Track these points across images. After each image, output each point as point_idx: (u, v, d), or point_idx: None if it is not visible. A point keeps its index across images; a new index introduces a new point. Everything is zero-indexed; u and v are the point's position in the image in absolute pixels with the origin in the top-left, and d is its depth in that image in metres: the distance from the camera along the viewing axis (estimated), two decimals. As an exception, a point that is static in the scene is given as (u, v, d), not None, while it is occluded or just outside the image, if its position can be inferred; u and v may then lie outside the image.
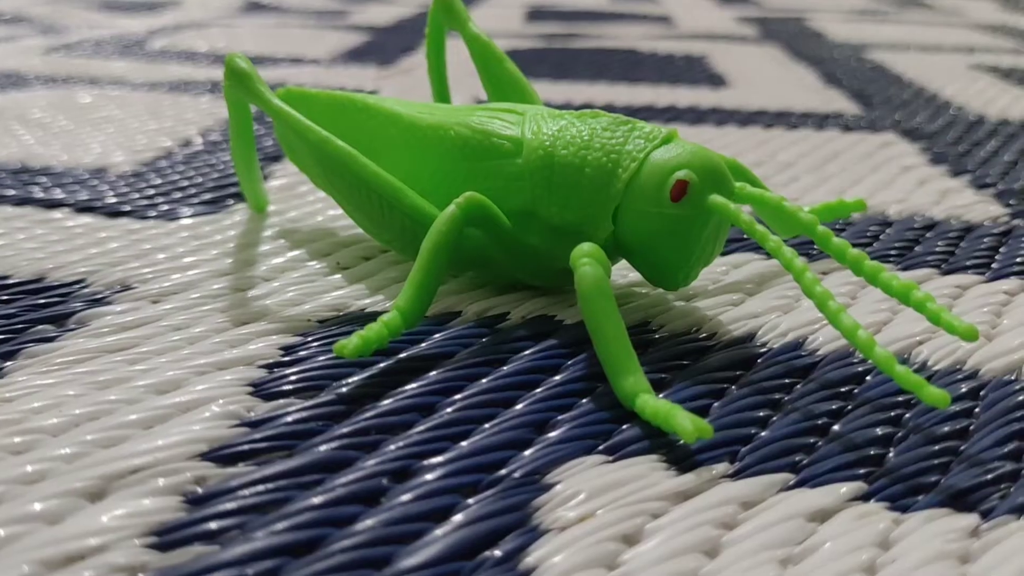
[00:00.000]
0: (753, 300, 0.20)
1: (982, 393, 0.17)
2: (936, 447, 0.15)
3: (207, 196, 0.26)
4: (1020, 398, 0.16)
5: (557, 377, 0.16)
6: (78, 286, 0.20)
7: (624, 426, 0.15)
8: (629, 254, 0.18)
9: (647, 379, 0.15)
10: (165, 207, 0.25)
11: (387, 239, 0.20)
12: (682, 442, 0.14)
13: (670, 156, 0.17)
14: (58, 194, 0.26)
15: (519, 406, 0.15)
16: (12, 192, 0.26)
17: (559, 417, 0.15)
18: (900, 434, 0.15)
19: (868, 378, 0.17)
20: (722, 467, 0.14)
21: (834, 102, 0.40)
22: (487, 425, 0.15)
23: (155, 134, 0.33)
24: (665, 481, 0.14)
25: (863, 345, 0.15)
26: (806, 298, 0.20)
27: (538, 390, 0.16)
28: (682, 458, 0.14)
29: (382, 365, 0.17)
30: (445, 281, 0.20)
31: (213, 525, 0.12)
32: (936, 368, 0.17)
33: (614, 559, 0.12)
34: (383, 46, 0.53)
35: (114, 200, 0.25)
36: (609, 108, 0.38)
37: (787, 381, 0.17)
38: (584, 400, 0.16)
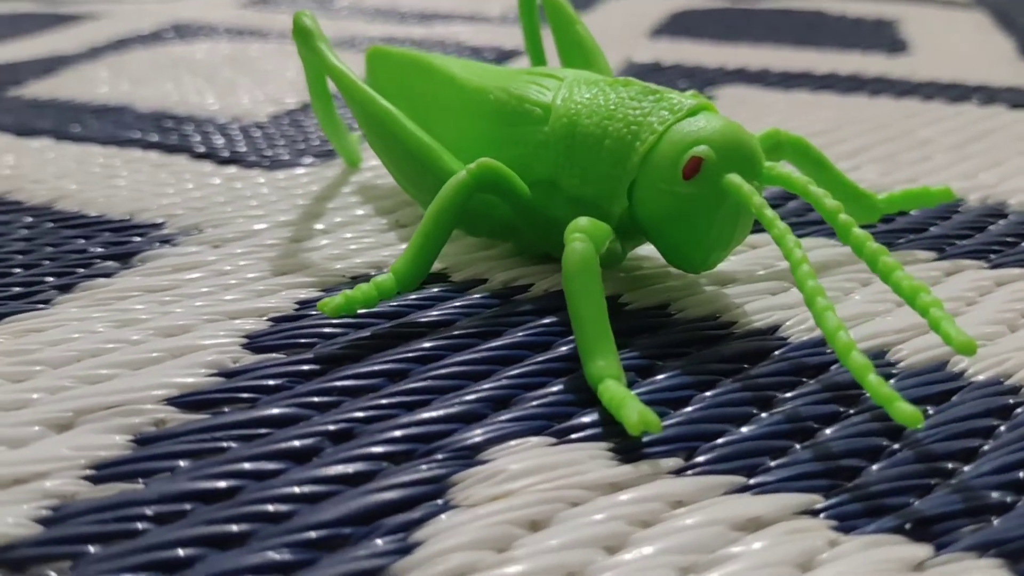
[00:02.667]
0: (795, 291, 0.19)
1: (1017, 412, 0.15)
2: (926, 466, 0.14)
3: (317, 150, 0.27)
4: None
5: (542, 355, 0.16)
6: (156, 227, 0.21)
7: (586, 410, 0.15)
8: (646, 233, 0.17)
9: (620, 364, 0.15)
10: (273, 158, 0.26)
11: (423, 200, 0.20)
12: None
13: (690, 131, 0.16)
14: (183, 141, 0.28)
15: (489, 381, 0.15)
16: (141, 136, 0.28)
17: (524, 395, 0.15)
18: (893, 447, 0.14)
19: (889, 382, 0.15)
20: (671, 462, 0.14)
21: (1021, 77, 0.36)
22: (448, 396, 0.15)
23: (305, 89, 0.34)
24: (600, 470, 0.13)
25: (841, 348, 0.14)
26: (854, 292, 0.18)
27: (515, 366, 0.16)
28: (631, 449, 0.14)
29: (377, 328, 0.17)
30: (486, 247, 0.20)
31: (148, 465, 0.13)
32: (977, 378, 0.16)
33: (507, 543, 0.12)
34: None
35: (231, 149, 0.27)
36: (762, 73, 0.36)
37: (791, 379, 0.16)
38: (557, 380, 0.15)
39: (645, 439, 0.14)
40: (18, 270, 0.20)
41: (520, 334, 0.17)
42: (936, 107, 0.32)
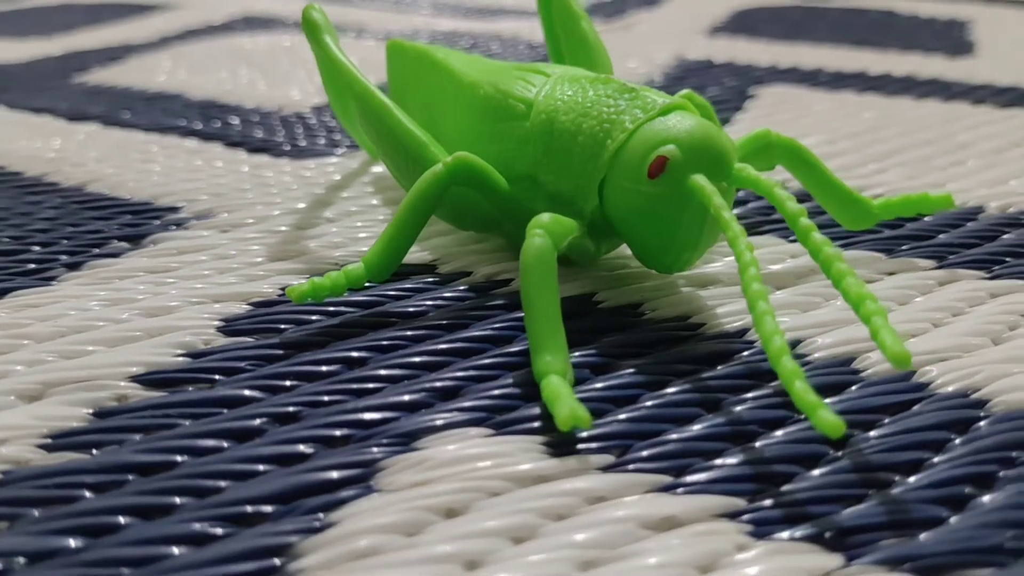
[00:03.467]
0: (778, 295, 0.18)
1: (977, 426, 0.15)
2: (863, 476, 0.14)
3: (351, 142, 0.28)
4: (1018, 435, 0.14)
5: (502, 349, 0.16)
6: (173, 211, 0.22)
7: (530, 404, 0.15)
8: (617, 231, 0.17)
9: (568, 361, 0.15)
10: (305, 148, 0.27)
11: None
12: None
13: (660, 130, 0.16)
14: (222, 129, 0.29)
15: (442, 371, 0.16)
16: (185, 123, 0.29)
17: (474, 387, 0.15)
18: (834, 455, 0.14)
19: (844, 394, 0.15)
20: (602, 459, 0.14)
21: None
22: (400, 385, 0.15)
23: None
24: (528, 463, 0.14)
25: (773, 352, 0.14)
26: (828, 302, 0.18)
27: (473, 358, 0.16)
28: (565, 443, 0.14)
29: (349, 316, 0.17)
30: (478, 240, 0.20)
31: (100, 437, 0.14)
32: (944, 390, 0.16)
33: (418, 529, 0.12)
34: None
35: (266, 138, 0.28)
36: (813, 72, 0.36)
37: (746, 383, 0.16)
38: (509, 374, 0.16)
39: (582, 435, 0.14)
40: (36, 248, 0.21)
41: (486, 327, 0.17)
42: (984, 111, 0.31)
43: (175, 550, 0.12)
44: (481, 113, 0.19)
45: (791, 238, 0.21)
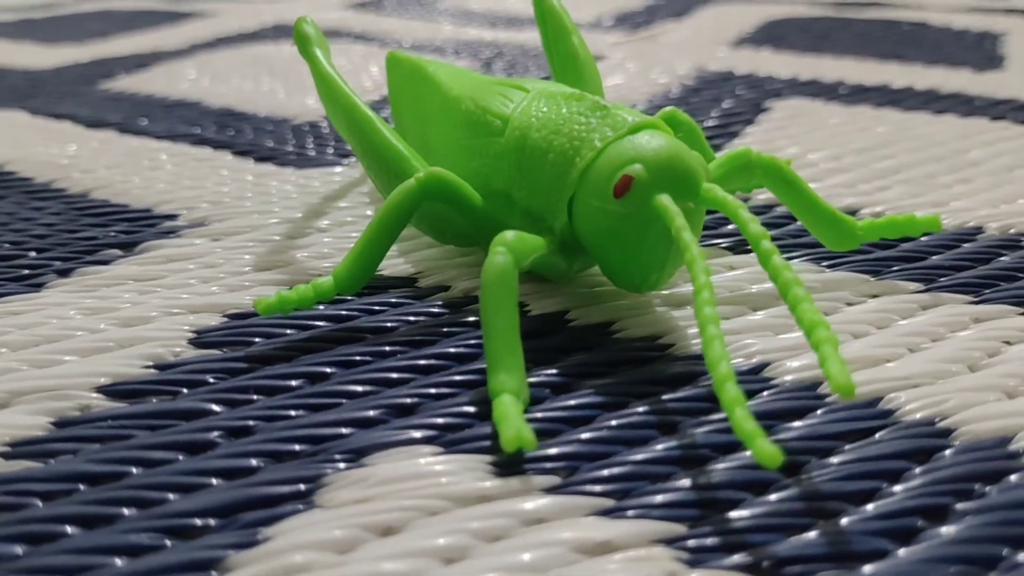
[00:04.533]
0: (754, 316, 0.18)
1: (939, 455, 0.15)
2: (811, 505, 0.13)
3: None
4: (980, 467, 0.14)
5: (465, 366, 0.16)
6: (170, 218, 0.23)
7: (483, 423, 0.15)
8: (587, 249, 0.17)
9: (523, 380, 0.15)
10: (311, 158, 0.27)
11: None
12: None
13: (628, 149, 0.16)
14: (233, 137, 0.29)
15: (401, 388, 0.16)
16: (199, 131, 0.30)
17: (430, 404, 0.15)
18: (787, 482, 0.14)
19: (805, 419, 0.15)
20: (547, 480, 0.14)
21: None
22: (357, 400, 0.15)
23: (375, 89, 0.35)
24: (471, 483, 0.14)
25: (718, 377, 0.13)
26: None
27: (434, 375, 0.16)
28: (511, 464, 0.14)
29: (319, 331, 0.18)
30: (463, 254, 0.21)
31: (57, 447, 0.14)
32: (910, 417, 0.15)
33: (351, 547, 0.12)
34: (657, 10, 0.52)
35: (274, 147, 0.28)
36: (834, 85, 0.35)
37: (705, 406, 0.16)
38: (468, 391, 0.16)
39: (531, 455, 0.14)
40: (32, 253, 0.21)
41: (453, 344, 0.17)
42: (1001, 127, 0.30)
43: (114, 560, 0.12)
44: (462, 128, 0.20)
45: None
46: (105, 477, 0.14)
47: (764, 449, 0.12)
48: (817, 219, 0.19)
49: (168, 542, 0.13)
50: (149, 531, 0.13)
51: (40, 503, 0.13)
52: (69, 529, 0.13)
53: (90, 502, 0.13)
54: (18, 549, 0.12)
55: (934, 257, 0.21)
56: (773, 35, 0.45)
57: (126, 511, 0.13)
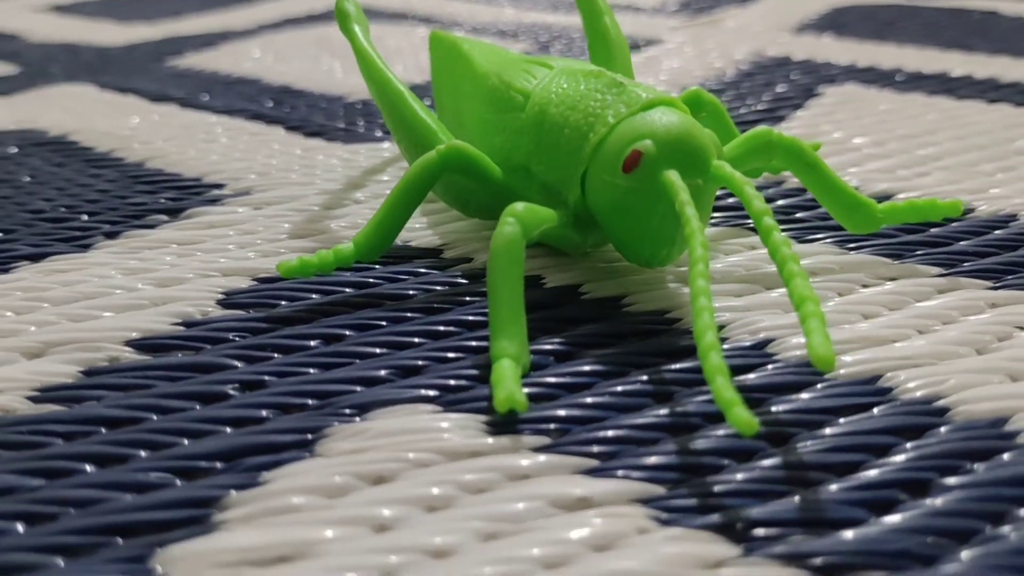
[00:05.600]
0: (767, 295, 0.19)
1: (930, 432, 0.15)
2: (792, 473, 0.14)
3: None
4: (970, 445, 0.14)
5: (473, 332, 0.17)
6: (217, 187, 0.24)
7: (483, 385, 0.16)
8: (599, 223, 0.18)
9: (524, 346, 0.16)
10: (360, 134, 0.28)
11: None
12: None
13: (639, 125, 0.17)
14: (287, 113, 0.30)
15: (409, 350, 0.16)
16: (255, 107, 0.31)
17: (435, 366, 0.16)
18: (770, 452, 0.14)
19: (802, 394, 0.15)
20: (537, 440, 0.14)
21: None
22: (367, 361, 0.16)
23: (426, 71, 0.36)
24: (464, 439, 0.14)
25: (703, 347, 0.14)
26: (829, 300, 0.18)
27: (443, 340, 0.17)
28: (506, 424, 0.15)
29: (340, 296, 0.18)
30: (489, 227, 0.21)
31: (82, 392, 0.15)
32: (909, 395, 0.16)
33: (342, 493, 0.13)
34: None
35: (325, 123, 0.29)
36: (890, 72, 0.35)
37: (702, 377, 0.16)
38: (472, 356, 0.16)
39: (525, 416, 0.15)
40: (84, 216, 0.22)
41: (464, 313, 0.18)
42: (1053, 116, 0.30)
43: (124, 495, 0.13)
44: (488, 103, 0.20)
45: (804, 238, 0.21)
46: (123, 421, 0.15)
47: (740, 416, 0.13)
48: (837, 201, 0.19)
49: (178, 481, 0.13)
50: (158, 470, 0.14)
51: (61, 442, 0.14)
52: (86, 467, 0.14)
53: (107, 443, 0.14)
54: (36, 482, 0.13)
55: (961, 243, 0.21)
56: (837, 22, 0.45)
57: (138, 452, 0.14)
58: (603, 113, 0.17)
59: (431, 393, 0.15)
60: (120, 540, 0.12)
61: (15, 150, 0.27)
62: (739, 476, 0.14)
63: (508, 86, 0.20)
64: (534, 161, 0.18)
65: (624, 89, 0.18)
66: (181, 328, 0.17)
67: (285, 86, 0.34)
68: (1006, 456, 0.14)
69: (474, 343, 0.17)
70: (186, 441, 0.14)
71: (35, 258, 0.20)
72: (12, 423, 0.15)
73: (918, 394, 0.16)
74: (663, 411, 0.15)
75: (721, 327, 0.17)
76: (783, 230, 0.21)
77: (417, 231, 0.21)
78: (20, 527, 0.13)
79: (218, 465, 0.14)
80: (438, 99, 0.25)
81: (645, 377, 0.16)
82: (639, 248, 0.17)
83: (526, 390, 0.15)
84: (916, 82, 0.34)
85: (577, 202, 0.18)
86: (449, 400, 0.15)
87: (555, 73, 0.19)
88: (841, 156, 0.27)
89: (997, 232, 0.21)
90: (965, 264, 0.20)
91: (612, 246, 0.20)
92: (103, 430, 0.15)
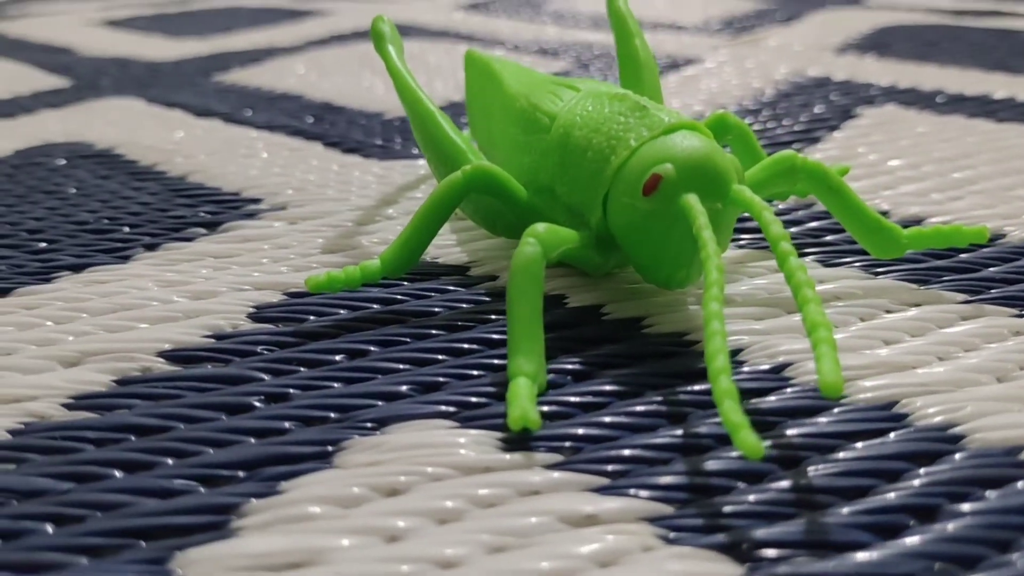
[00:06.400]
0: (789, 318, 0.19)
1: (942, 459, 0.15)
2: (801, 496, 0.14)
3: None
4: (982, 472, 0.14)
5: (494, 350, 0.17)
6: (254, 202, 0.25)
7: (500, 402, 0.16)
8: (620, 245, 0.18)
9: (542, 365, 0.16)
10: (397, 151, 0.29)
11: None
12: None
13: (660, 149, 0.17)
14: (327, 129, 0.31)
15: (430, 367, 0.17)
16: (296, 123, 0.32)
17: (455, 383, 0.16)
18: (780, 474, 0.14)
19: (817, 418, 0.16)
20: (549, 457, 0.15)
21: None
22: (389, 376, 0.17)
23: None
24: (478, 455, 0.15)
25: (713, 370, 0.14)
26: (836, 328, 0.18)
27: (464, 357, 0.17)
28: (519, 441, 0.15)
29: (367, 312, 0.19)
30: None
31: (114, 401, 0.16)
32: (925, 422, 0.16)
33: (356, 503, 0.14)
34: (766, 14, 0.52)
35: (363, 139, 0.30)
36: (932, 94, 0.35)
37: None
38: (489, 374, 0.17)
39: (539, 434, 0.15)
40: (126, 228, 0.23)
41: (486, 331, 0.18)
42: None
43: (146, 500, 0.14)
44: (517, 124, 0.21)
45: (830, 262, 0.21)
46: (152, 429, 0.15)
47: (746, 440, 0.13)
48: (861, 226, 0.20)
49: (201, 488, 0.14)
50: (181, 477, 0.14)
51: (92, 448, 0.15)
52: (115, 472, 0.14)
53: (135, 450, 0.15)
54: (66, 485, 0.14)
55: (990, 269, 0.21)
56: (880, 42, 0.45)
57: (164, 459, 0.14)
58: (625, 136, 0.18)
59: (449, 409, 0.16)
60: (143, 543, 0.13)
61: (63, 162, 0.28)
62: (748, 497, 0.14)
63: (535, 107, 0.20)
64: (558, 182, 0.19)
65: (647, 112, 0.18)
66: (212, 340, 0.18)
67: (326, 102, 0.35)
68: (1020, 484, 0.14)
69: (495, 361, 0.17)
70: (211, 450, 0.15)
71: (76, 268, 0.21)
72: (46, 429, 0.15)
73: (934, 421, 0.16)
74: (676, 432, 0.15)
75: (740, 350, 0.18)
76: (811, 253, 0.22)
77: (445, 248, 0.22)
78: (49, 528, 0.13)
79: (240, 474, 0.14)
80: (472, 118, 0.25)
81: (660, 398, 0.16)
82: (657, 270, 0.17)
83: (543, 408, 0.16)
84: (957, 104, 0.34)
85: (599, 224, 0.18)
86: (466, 416, 0.16)
87: (581, 96, 0.19)
88: (874, 179, 0.27)
89: (1027, 259, 0.21)
90: (992, 291, 0.20)
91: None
92: (132, 437, 0.15)
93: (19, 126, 0.32)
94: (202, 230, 0.23)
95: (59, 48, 0.46)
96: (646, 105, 0.18)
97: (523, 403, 0.15)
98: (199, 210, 0.24)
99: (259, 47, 0.45)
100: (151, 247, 0.22)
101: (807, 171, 0.19)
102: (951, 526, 0.13)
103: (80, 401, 0.16)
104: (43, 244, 0.22)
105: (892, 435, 0.15)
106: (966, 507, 0.14)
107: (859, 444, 0.15)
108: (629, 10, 0.24)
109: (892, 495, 0.14)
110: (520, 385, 0.15)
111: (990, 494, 0.14)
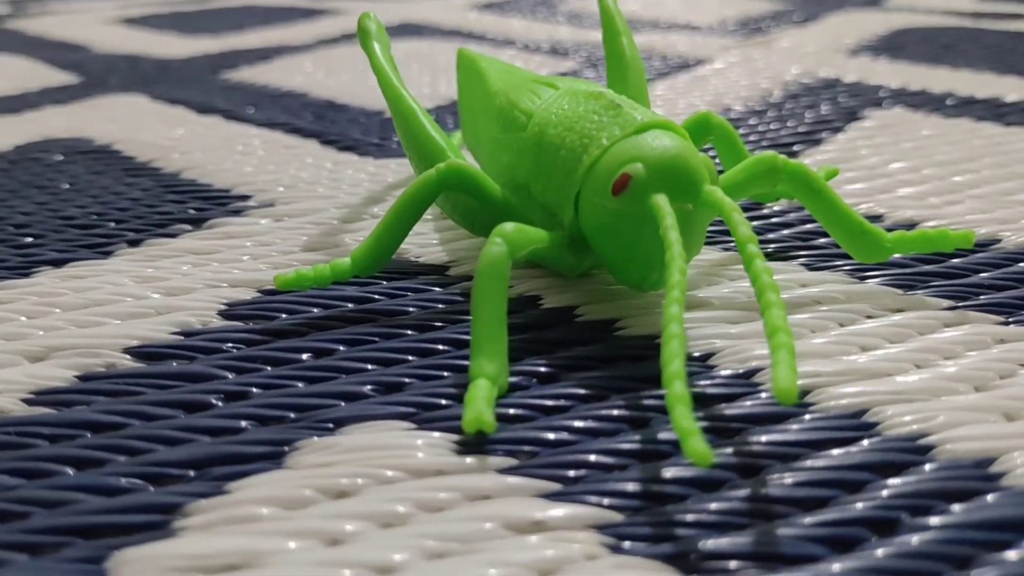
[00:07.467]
0: (755, 324, 0.18)
1: (917, 470, 0.14)
2: (756, 506, 0.14)
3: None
4: (948, 485, 0.14)
5: (460, 351, 0.17)
6: (242, 199, 0.25)
7: (460, 404, 0.16)
8: (591, 245, 0.18)
9: (503, 367, 0.16)
10: (388, 149, 0.29)
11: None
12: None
13: (631, 148, 0.17)
14: (325, 127, 0.31)
15: (394, 367, 0.17)
16: (295, 120, 0.32)
17: (417, 384, 0.16)
18: (737, 483, 0.14)
19: (784, 425, 0.15)
20: (503, 461, 0.14)
21: None
22: (351, 376, 0.16)
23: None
24: (433, 458, 0.14)
25: (667, 375, 0.14)
26: (814, 334, 0.18)
27: (429, 357, 0.17)
28: (475, 444, 0.15)
29: (337, 310, 0.19)
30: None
31: (73, 397, 0.16)
32: (894, 431, 0.15)
33: (301, 505, 0.13)
34: (782, 15, 0.51)
35: (359, 138, 0.30)
36: (941, 96, 0.34)
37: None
38: (452, 375, 0.16)
39: (496, 438, 0.15)
40: (111, 224, 0.23)
41: (455, 331, 0.18)
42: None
43: (91, 498, 0.14)
44: (497, 122, 0.20)
45: (816, 265, 0.21)
46: (107, 426, 0.15)
47: (695, 447, 0.13)
48: (844, 229, 0.19)
49: (150, 487, 0.14)
50: (130, 476, 0.14)
51: (46, 443, 0.15)
52: (66, 469, 0.14)
53: (88, 447, 0.15)
54: (15, 481, 0.14)
55: (980, 275, 0.20)
56: (894, 44, 0.44)
57: (120, 457, 0.14)
58: (598, 135, 0.17)
59: (408, 410, 0.16)
60: (81, 541, 0.13)
61: (60, 157, 0.28)
62: (702, 506, 0.14)
63: (514, 105, 0.20)
64: (533, 181, 0.19)
65: (620, 111, 0.18)
66: (180, 337, 0.18)
67: (329, 100, 0.35)
68: (989, 498, 0.14)
69: (463, 362, 0.17)
70: (162, 448, 0.15)
71: (57, 263, 0.21)
72: (3, 424, 0.15)
73: (905, 430, 0.15)
74: (636, 437, 0.15)
75: (712, 354, 0.17)
76: (799, 256, 0.21)
77: (426, 247, 0.22)
78: (-7, 525, 0.13)
79: (190, 473, 0.14)
80: (463, 115, 0.25)
81: (624, 402, 0.16)
82: (629, 271, 0.17)
83: (505, 411, 0.15)
84: (966, 107, 0.33)
85: (571, 223, 0.18)
86: (425, 418, 0.15)
87: (558, 94, 0.19)
88: (873, 181, 0.26)
89: (1020, 264, 0.21)
90: (980, 297, 0.19)
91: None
92: (88, 434, 0.15)
93: (23, 122, 0.32)
94: (187, 226, 0.23)
95: (74, 45, 0.47)
96: (620, 104, 0.18)
97: (479, 405, 0.15)
98: (187, 206, 0.24)
99: (270, 45, 0.45)
100: (134, 243, 0.22)
101: (788, 172, 0.19)
102: (912, 540, 0.13)
103: (40, 396, 0.16)
104: (28, 239, 0.22)
105: (860, 444, 0.15)
106: (926, 521, 0.13)
107: (824, 453, 0.15)
108: (618, 8, 0.23)
109: (853, 507, 0.14)
110: (479, 387, 0.15)
111: (956, 507, 0.14)
